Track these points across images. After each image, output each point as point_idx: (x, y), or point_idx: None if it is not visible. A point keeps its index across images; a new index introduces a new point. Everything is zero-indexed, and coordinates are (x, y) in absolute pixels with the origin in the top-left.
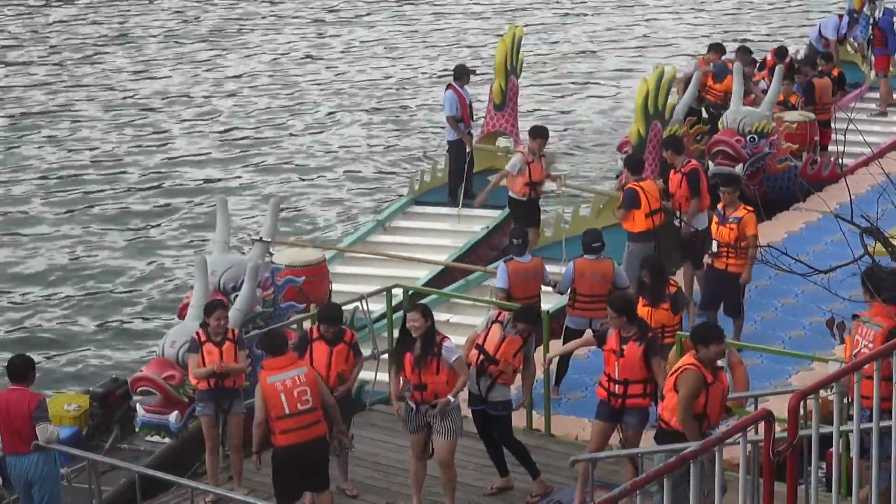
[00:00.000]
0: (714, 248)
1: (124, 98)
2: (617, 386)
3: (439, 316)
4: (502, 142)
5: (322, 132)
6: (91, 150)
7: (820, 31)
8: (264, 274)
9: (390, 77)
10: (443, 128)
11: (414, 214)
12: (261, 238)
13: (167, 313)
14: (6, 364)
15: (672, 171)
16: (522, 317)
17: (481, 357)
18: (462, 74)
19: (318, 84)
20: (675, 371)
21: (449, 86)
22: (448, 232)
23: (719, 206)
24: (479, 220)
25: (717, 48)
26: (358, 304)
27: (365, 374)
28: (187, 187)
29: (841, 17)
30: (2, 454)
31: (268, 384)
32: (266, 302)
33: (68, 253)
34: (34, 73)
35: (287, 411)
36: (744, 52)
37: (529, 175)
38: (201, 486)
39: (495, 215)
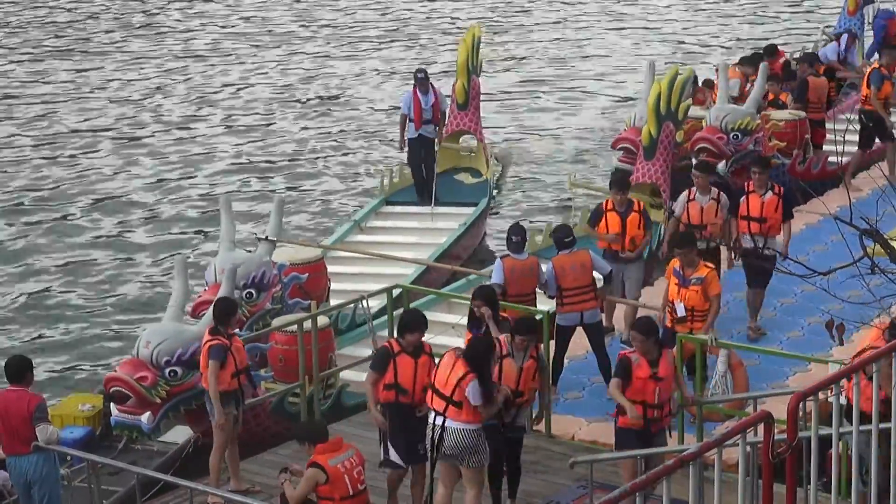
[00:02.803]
0: (679, 312)
1: (118, 99)
2: (656, 411)
3: (439, 317)
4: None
5: (292, 134)
6: (96, 152)
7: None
8: (272, 272)
9: (352, 76)
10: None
11: (387, 214)
12: (266, 237)
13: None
14: (4, 365)
15: (749, 188)
16: (517, 329)
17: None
18: (423, 79)
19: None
20: (862, 351)
21: (415, 87)
22: (424, 230)
23: (676, 265)
24: (452, 218)
25: (751, 60)
26: (360, 303)
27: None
28: (192, 186)
29: (839, 38)
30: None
31: (332, 467)
32: (274, 299)
33: (75, 253)
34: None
35: (351, 492)
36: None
37: (688, 217)
38: (201, 486)
39: (469, 212)
